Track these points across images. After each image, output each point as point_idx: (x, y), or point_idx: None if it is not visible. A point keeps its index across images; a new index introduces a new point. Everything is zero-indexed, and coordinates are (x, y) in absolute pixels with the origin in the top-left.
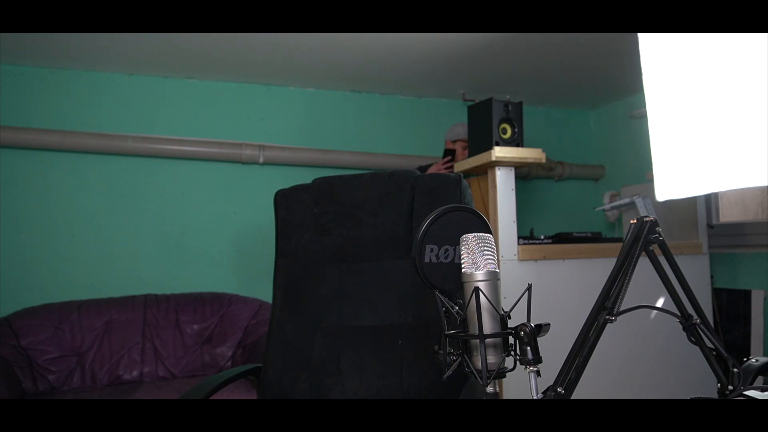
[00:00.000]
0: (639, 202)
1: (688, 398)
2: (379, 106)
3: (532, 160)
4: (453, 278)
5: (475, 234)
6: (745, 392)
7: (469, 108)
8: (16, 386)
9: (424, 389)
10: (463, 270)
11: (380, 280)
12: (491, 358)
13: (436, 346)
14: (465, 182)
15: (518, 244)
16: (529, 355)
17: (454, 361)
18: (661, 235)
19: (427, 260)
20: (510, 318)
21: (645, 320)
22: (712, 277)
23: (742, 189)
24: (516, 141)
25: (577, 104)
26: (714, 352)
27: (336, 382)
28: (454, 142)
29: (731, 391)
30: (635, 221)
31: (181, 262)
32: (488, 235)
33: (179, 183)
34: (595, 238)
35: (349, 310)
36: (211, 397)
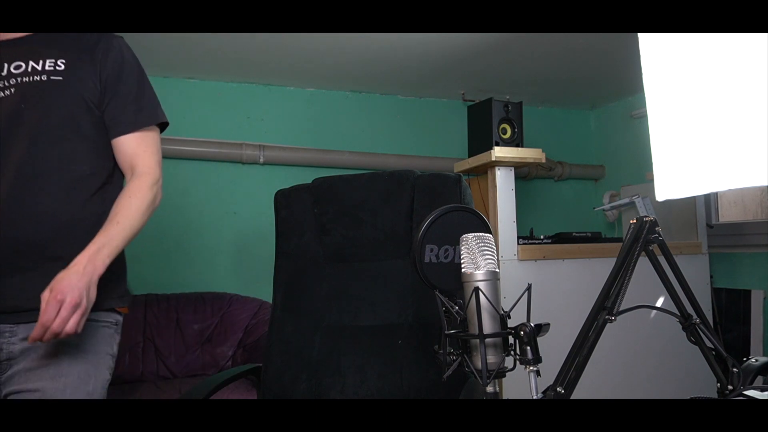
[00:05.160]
0: (639, 202)
1: (688, 398)
2: (379, 106)
3: (531, 160)
4: (453, 278)
5: (475, 234)
6: (745, 392)
7: (469, 108)
8: None
9: (424, 389)
10: (463, 270)
11: (380, 280)
12: (491, 358)
13: (436, 346)
14: (465, 182)
15: (518, 244)
16: (529, 355)
17: (454, 360)
18: (660, 235)
19: (427, 260)
20: (510, 318)
21: (645, 320)
22: (711, 277)
23: (742, 189)
24: (516, 141)
25: (577, 104)
26: (713, 352)
27: (336, 382)
28: None
29: (731, 391)
30: (635, 221)
31: (181, 262)
32: (488, 235)
33: (179, 183)
34: (595, 238)
35: (349, 310)
36: (211, 397)
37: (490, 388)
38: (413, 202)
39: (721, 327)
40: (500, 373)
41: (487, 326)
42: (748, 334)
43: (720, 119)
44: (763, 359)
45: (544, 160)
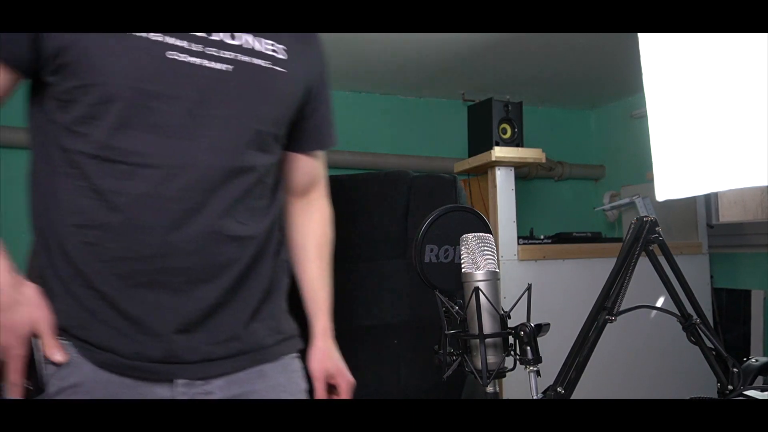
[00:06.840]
0: (639, 202)
1: (688, 398)
2: (379, 106)
3: (532, 160)
4: (453, 278)
5: (475, 234)
6: (745, 392)
7: (469, 108)
8: None
9: (423, 389)
10: (463, 270)
11: (375, 279)
12: (491, 358)
13: (436, 346)
14: (460, 184)
15: (518, 244)
16: (529, 355)
17: (454, 360)
18: (660, 235)
19: (427, 260)
20: (510, 318)
21: (645, 320)
22: (711, 277)
23: (742, 189)
24: (516, 141)
25: (577, 104)
26: (714, 352)
27: None
28: None
29: (731, 391)
30: (635, 221)
31: None
32: (488, 235)
33: None
34: (595, 238)
35: (345, 310)
36: None
37: (490, 388)
38: (409, 202)
39: (721, 327)
40: (500, 373)
41: (487, 326)
42: (748, 334)
43: (720, 119)
44: (763, 359)
45: (544, 160)
